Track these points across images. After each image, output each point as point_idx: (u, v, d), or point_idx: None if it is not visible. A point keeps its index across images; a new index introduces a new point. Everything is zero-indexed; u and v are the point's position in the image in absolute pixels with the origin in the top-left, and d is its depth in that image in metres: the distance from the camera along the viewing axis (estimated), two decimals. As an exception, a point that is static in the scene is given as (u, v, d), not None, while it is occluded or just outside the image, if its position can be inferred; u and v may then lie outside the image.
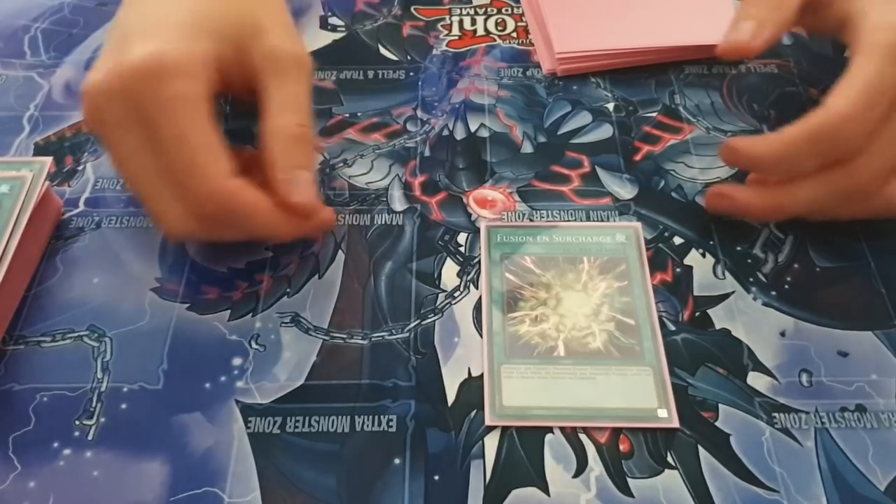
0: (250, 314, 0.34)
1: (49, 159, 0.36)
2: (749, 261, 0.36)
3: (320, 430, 0.31)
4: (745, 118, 0.42)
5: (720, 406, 0.31)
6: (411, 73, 0.45)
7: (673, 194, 0.39)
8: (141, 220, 0.38)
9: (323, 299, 0.35)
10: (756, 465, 0.30)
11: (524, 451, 0.30)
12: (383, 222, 0.38)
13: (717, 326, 0.34)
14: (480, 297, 0.35)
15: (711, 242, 0.37)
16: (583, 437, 0.31)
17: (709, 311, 0.34)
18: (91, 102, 0.31)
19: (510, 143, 0.42)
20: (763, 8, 0.36)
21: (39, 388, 0.32)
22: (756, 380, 0.32)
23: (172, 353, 0.33)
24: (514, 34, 0.48)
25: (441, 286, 0.35)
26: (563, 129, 0.42)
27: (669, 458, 0.30)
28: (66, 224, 0.38)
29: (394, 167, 0.40)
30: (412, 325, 0.34)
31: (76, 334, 0.34)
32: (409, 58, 0.46)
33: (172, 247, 0.37)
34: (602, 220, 0.38)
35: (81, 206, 0.39)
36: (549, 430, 0.31)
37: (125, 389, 0.32)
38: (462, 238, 0.37)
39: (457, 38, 0.48)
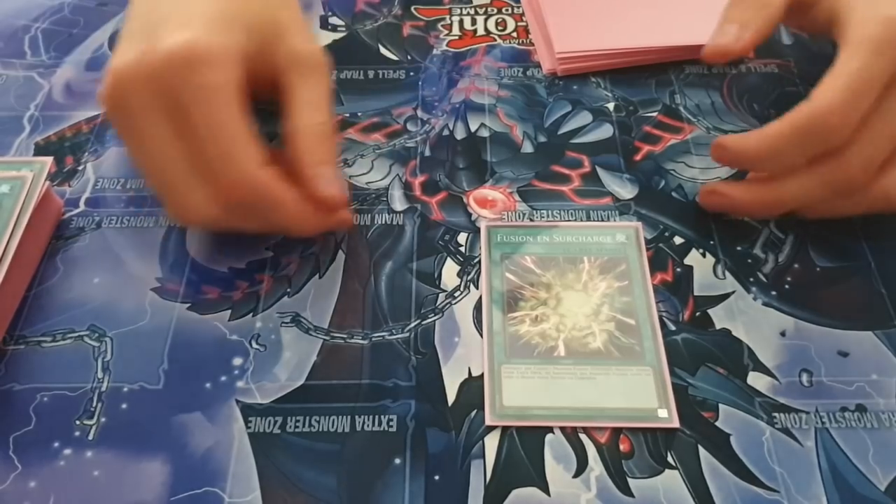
0: (251, 314, 0.34)
1: (49, 159, 0.36)
2: (749, 261, 0.36)
3: (321, 429, 0.31)
4: (746, 118, 0.42)
5: (720, 406, 0.31)
6: (411, 73, 0.45)
7: (673, 194, 0.39)
8: (141, 219, 0.38)
9: (323, 299, 0.35)
10: (756, 465, 0.30)
11: (524, 451, 0.30)
12: (383, 222, 0.38)
13: (718, 326, 0.34)
14: (481, 297, 0.35)
15: (712, 242, 0.37)
16: (583, 436, 0.31)
17: (709, 311, 0.34)
18: (117, 85, 0.31)
19: (510, 142, 0.42)
20: (746, 10, 0.36)
21: (40, 388, 0.32)
22: (756, 380, 0.32)
23: (173, 353, 0.33)
24: (515, 34, 0.48)
25: (441, 286, 0.35)
26: (564, 129, 0.42)
27: (670, 458, 0.30)
28: (67, 224, 0.38)
29: (394, 167, 0.40)
30: (412, 325, 0.34)
31: (77, 334, 0.34)
32: (409, 58, 0.46)
33: (173, 247, 0.37)
34: (602, 220, 0.38)
35: (82, 206, 0.39)
36: (550, 429, 0.31)
37: (125, 389, 0.32)
38: (462, 238, 0.37)
39: (457, 37, 0.48)
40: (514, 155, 0.41)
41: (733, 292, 0.35)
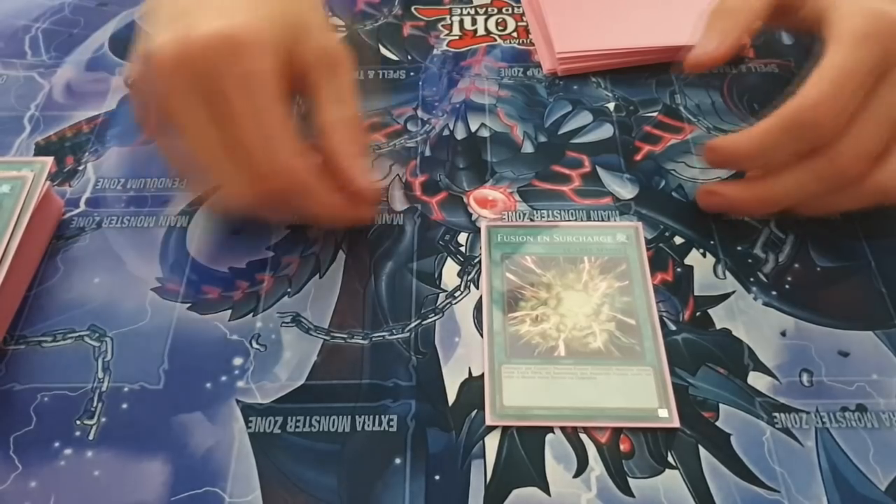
0: (251, 314, 0.34)
1: (50, 159, 0.36)
2: (749, 260, 0.36)
3: (321, 429, 0.31)
4: (746, 118, 0.42)
5: (721, 406, 0.31)
6: (412, 73, 0.45)
7: (673, 194, 0.39)
8: (141, 219, 0.38)
9: (324, 299, 0.35)
10: (757, 464, 0.30)
11: (525, 450, 0.30)
12: (384, 222, 0.38)
13: (718, 326, 0.34)
14: (481, 297, 0.35)
15: (712, 242, 0.37)
16: (583, 436, 0.31)
17: (709, 311, 0.34)
18: (154, 68, 0.30)
19: (511, 142, 0.42)
20: (725, 19, 0.37)
21: (40, 388, 0.32)
22: (757, 380, 0.32)
23: (173, 353, 0.33)
24: (515, 34, 0.48)
25: (441, 286, 0.35)
26: (564, 129, 0.42)
27: (670, 458, 0.30)
28: (67, 224, 0.38)
29: (394, 167, 0.40)
30: (413, 324, 0.34)
31: (77, 334, 0.34)
32: (409, 58, 0.46)
33: (173, 247, 0.37)
34: (603, 220, 0.38)
35: (82, 206, 0.39)
36: (550, 429, 0.31)
37: (126, 389, 0.32)
38: (462, 238, 0.37)
39: (457, 37, 0.48)
40: (515, 155, 0.41)
41: (734, 292, 0.35)
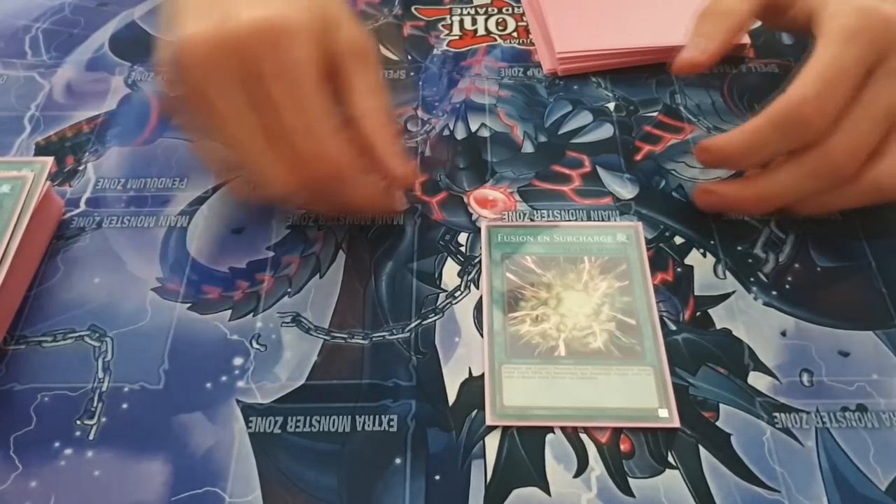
0: (251, 314, 0.34)
1: (50, 159, 0.36)
2: (750, 260, 0.36)
3: (321, 429, 0.31)
4: (746, 118, 0.42)
5: (721, 406, 0.31)
6: (412, 73, 0.45)
7: (674, 194, 0.39)
8: (142, 219, 0.38)
9: (324, 299, 0.35)
10: (757, 464, 0.30)
11: (525, 450, 0.30)
12: (384, 222, 0.38)
13: (718, 326, 0.34)
14: (481, 297, 0.35)
15: (712, 242, 0.37)
16: (584, 436, 0.31)
17: (709, 311, 0.34)
18: (193, 56, 0.30)
19: (511, 142, 0.41)
20: (711, 22, 0.37)
21: (40, 388, 0.32)
22: (757, 380, 0.32)
23: (173, 353, 0.33)
24: (515, 34, 0.48)
25: (442, 286, 0.35)
26: (564, 129, 0.42)
27: (670, 458, 0.30)
28: (67, 224, 0.38)
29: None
30: (413, 324, 0.34)
31: (77, 334, 0.34)
32: (409, 57, 0.46)
33: (173, 247, 0.37)
34: (603, 220, 0.38)
35: (82, 206, 0.39)
36: (550, 429, 0.31)
37: (126, 389, 0.32)
38: (463, 238, 0.37)
39: (457, 37, 0.48)
40: (515, 155, 0.41)
41: (734, 292, 0.35)
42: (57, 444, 0.31)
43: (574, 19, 0.46)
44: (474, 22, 0.49)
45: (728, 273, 0.36)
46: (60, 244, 0.37)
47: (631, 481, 0.29)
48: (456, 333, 0.34)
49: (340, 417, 0.31)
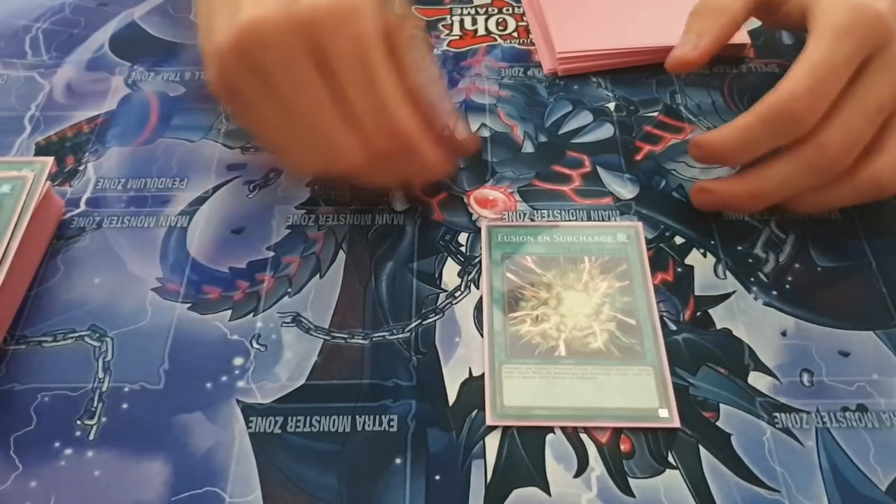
0: (251, 314, 0.34)
1: (50, 159, 0.36)
2: (750, 260, 0.36)
3: (321, 429, 0.31)
4: (746, 118, 0.42)
5: (721, 406, 0.31)
6: (412, 73, 0.45)
7: (674, 194, 0.39)
8: (142, 219, 0.38)
9: (324, 299, 0.35)
10: (757, 464, 0.30)
11: (525, 450, 0.30)
12: (384, 222, 0.38)
13: (719, 326, 0.34)
14: (481, 297, 0.35)
15: (712, 242, 0.37)
16: (584, 436, 0.31)
17: (710, 311, 0.34)
18: (259, 35, 0.30)
19: (511, 142, 0.41)
20: (703, 20, 0.38)
21: (41, 388, 0.32)
22: (757, 380, 0.32)
23: (173, 353, 0.33)
24: (515, 34, 0.48)
25: (442, 286, 0.35)
26: (564, 129, 0.42)
27: (670, 458, 0.30)
28: (68, 224, 0.38)
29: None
30: (413, 324, 0.34)
31: (77, 334, 0.34)
32: (409, 57, 0.46)
33: (174, 246, 0.37)
34: (603, 220, 0.38)
35: (82, 206, 0.39)
36: (550, 429, 0.31)
37: (126, 389, 0.32)
38: (463, 238, 0.37)
39: (458, 37, 0.48)
40: (515, 155, 0.41)
41: (734, 292, 0.35)
42: (57, 444, 0.31)
43: (574, 19, 0.46)
44: (474, 22, 0.49)
45: (728, 273, 0.36)
46: (60, 244, 0.37)
47: (631, 481, 0.29)
48: (456, 333, 0.34)
49: (340, 417, 0.31)
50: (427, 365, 0.33)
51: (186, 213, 0.38)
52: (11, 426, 0.31)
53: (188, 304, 0.35)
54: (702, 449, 0.30)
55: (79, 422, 0.31)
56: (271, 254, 0.37)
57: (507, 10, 0.50)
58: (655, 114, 0.43)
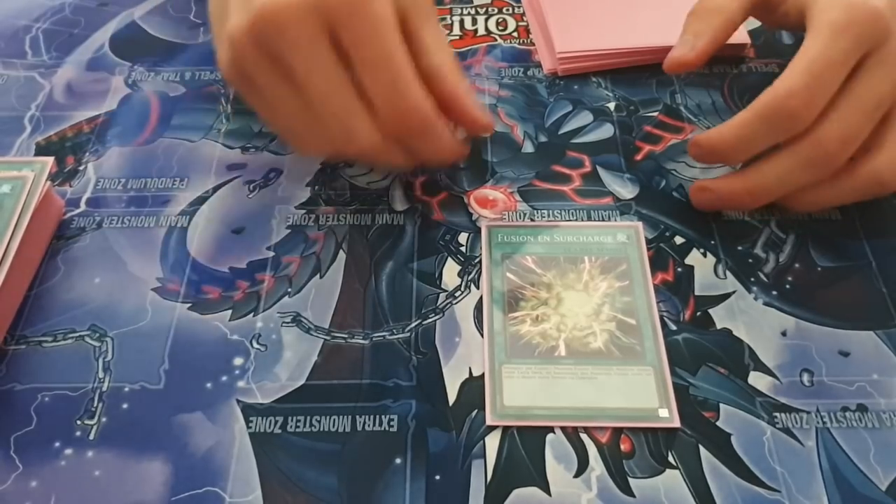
0: (251, 314, 0.34)
1: (50, 159, 0.36)
2: (750, 260, 0.36)
3: (321, 429, 0.31)
4: (747, 118, 0.42)
5: (721, 406, 0.31)
6: (412, 73, 0.45)
7: (674, 194, 0.39)
8: (142, 219, 0.38)
9: (324, 299, 0.35)
10: (757, 464, 0.30)
11: (525, 450, 0.30)
12: (384, 222, 0.38)
13: (719, 326, 0.34)
14: (481, 297, 0.35)
15: (712, 242, 0.37)
16: (584, 436, 0.31)
17: (710, 311, 0.34)
18: (276, 17, 0.30)
19: (511, 142, 0.41)
20: (700, 21, 0.38)
21: (41, 388, 0.32)
22: (757, 379, 0.32)
23: (174, 353, 0.33)
24: (515, 34, 0.48)
25: (442, 286, 0.35)
26: (564, 129, 0.42)
27: (670, 458, 0.30)
28: (68, 224, 0.38)
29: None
30: (413, 324, 0.34)
31: (77, 334, 0.34)
32: (409, 57, 0.46)
33: (174, 246, 0.37)
34: (603, 220, 0.38)
35: (83, 206, 0.39)
36: (550, 429, 0.31)
37: (126, 389, 0.32)
38: (463, 238, 0.37)
39: (458, 37, 0.48)
40: (515, 155, 0.41)
41: (734, 292, 0.35)
42: (57, 444, 0.31)
43: (574, 19, 0.46)
44: (474, 22, 0.49)
45: (728, 273, 0.36)
46: (61, 244, 0.37)
47: (631, 481, 0.29)
48: (456, 333, 0.34)
49: (340, 417, 0.31)
50: (427, 365, 0.33)
51: (186, 213, 0.38)
52: (11, 426, 0.31)
53: (188, 304, 0.35)
54: (702, 449, 0.30)
55: (79, 422, 0.31)
56: (271, 254, 0.37)
57: (507, 10, 0.50)
58: (655, 114, 0.43)
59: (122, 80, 0.45)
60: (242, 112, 0.43)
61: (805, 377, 0.32)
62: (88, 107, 0.44)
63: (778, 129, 0.33)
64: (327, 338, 0.34)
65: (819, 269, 0.36)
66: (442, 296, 0.35)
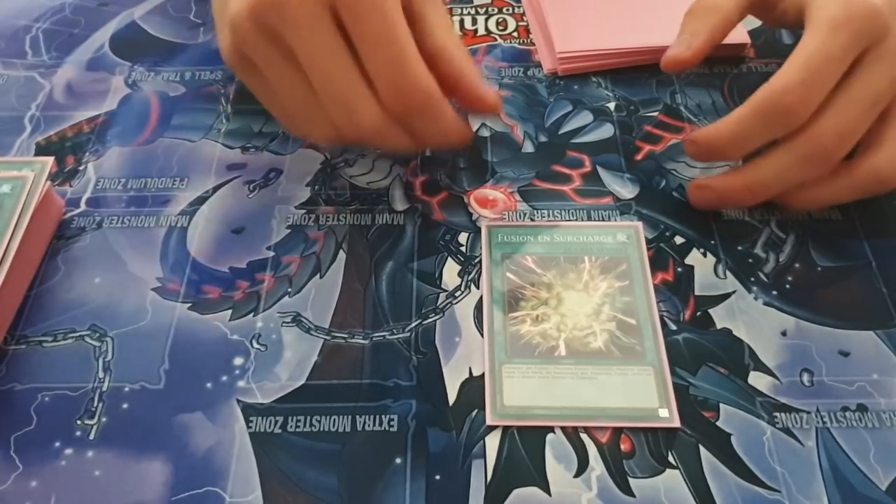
0: (252, 314, 0.34)
1: (50, 159, 0.36)
2: (750, 260, 0.36)
3: (321, 429, 0.31)
4: (747, 118, 0.42)
5: (721, 406, 0.31)
6: (412, 73, 0.45)
7: (674, 194, 0.39)
8: (142, 219, 0.38)
9: (324, 299, 0.35)
10: (757, 464, 0.30)
11: (525, 450, 0.30)
12: (384, 222, 0.38)
13: (719, 326, 0.34)
14: (481, 297, 0.35)
15: (713, 242, 0.37)
16: (584, 436, 0.31)
17: (710, 311, 0.34)
18: (275, 1, 0.30)
19: (511, 142, 0.41)
20: (697, 20, 0.38)
21: (41, 388, 0.32)
22: (757, 379, 0.32)
23: (174, 353, 0.33)
24: (515, 34, 0.48)
25: (442, 286, 0.35)
26: (565, 129, 0.42)
27: (671, 458, 0.30)
28: (68, 224, 0.38)
29: (395, 167, 0.40)
30: (413, 324, 0.34)
31: (77, 334, 0.34)
32: (409, 57, 0.46)
33: (174, 246, 0.37)
34: (603, 220, 0.38)
35: (83, 206, 0.39)
36: (551, 429, 0.31)
37: (126, 389, 0.32)
38: (463, 238, 0.37)
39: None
40: (515, 155, 0.41)
41: (734, 292, 0.35)
42: (57, 444, 0.31)
43: (574, 19, 0.46)
44: (474, 22, 0.49)
45: (728, 273, 0.36)
46: (61, 244, 0.37)
47: (631, 481, 0.29)
48: (456, 333, 0.34)
49: (341, 417, 0.31)
50: (427, 365, 0.33)
51: (186, 212, 0.38)
52: (11, 426, 0.31)
53: (188, 304, 0.35)
54: (702, 449, 0.30)
55: (79, 422, 0.31)
56: (271, 254, 0.37)
57: (507, 9, 0.50)
58: (655, 114, 0.43)
59: (122, 80, 0.45)
60: (242, 112, 0.43)
61: (805, 377, 0.32)
62: (88, 107, 0.44)
63: (774, 125, 0.33)
64: (327, 338, 0.34)
65: (819, 268, 0.36)
66: (442, 296, 0.35)
